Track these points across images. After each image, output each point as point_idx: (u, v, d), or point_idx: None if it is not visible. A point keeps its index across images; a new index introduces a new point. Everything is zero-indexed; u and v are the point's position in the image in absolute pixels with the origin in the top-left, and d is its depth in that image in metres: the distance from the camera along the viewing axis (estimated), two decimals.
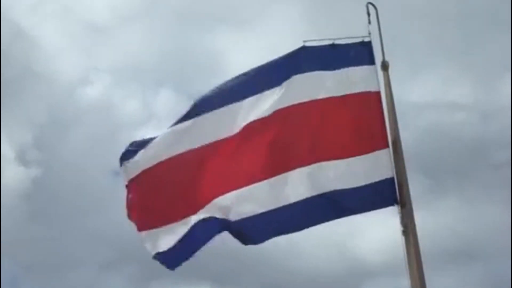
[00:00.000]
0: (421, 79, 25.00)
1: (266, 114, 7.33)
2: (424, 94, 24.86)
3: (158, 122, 30.17)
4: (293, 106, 7.33)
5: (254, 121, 7.35)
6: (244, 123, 7.38)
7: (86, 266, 24.48)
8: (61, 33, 30.77)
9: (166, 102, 30.81)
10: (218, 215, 7.12)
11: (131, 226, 7.68)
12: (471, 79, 26.88)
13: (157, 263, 7.45)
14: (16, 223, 23.29)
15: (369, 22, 7.50)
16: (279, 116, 7.31)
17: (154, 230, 7.35)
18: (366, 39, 7.44)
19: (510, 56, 18.74)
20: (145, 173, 7.52)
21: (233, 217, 7.09)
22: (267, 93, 7.42)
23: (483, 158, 24.12)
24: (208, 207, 7.17)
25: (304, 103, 7.33)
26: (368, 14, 7.52)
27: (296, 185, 7.07)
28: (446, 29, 24.28)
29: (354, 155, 7.08)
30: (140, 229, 7.46)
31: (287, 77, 7.41)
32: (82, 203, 24.81)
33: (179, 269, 7.43)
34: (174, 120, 7.59)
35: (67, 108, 28.12)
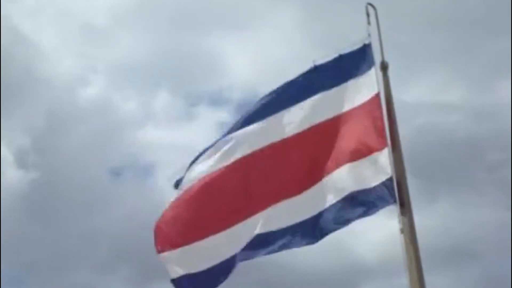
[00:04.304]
0: (415, 80, 25.08)
1: (284, 136, 7.59)
2: (418, 95, 24.96)
3: (156, 123, 30.19)
4: (311, 128, 7.54)
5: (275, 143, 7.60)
6: (266, 143, 7.61)
7: (85, 266, 24.54)
8: (60, 36, 30.84)
9: (164, 103, 30.92)
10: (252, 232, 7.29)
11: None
12: (466, 81, 26.99)
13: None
14: (15, 224, 23.33)
15: (369, 23, 7.55)
16: (296, 139, 7.55)
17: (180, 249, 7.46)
18: (366, 42, 7.51)
19: (504, 59, 18.85)
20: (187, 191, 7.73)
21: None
22: (289, 110, 7.65)
23: (476, 159, 24.22)
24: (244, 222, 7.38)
25: (321, 123, 7.53)
26: (368, 15, 7.57)
27: (309, 202, 7.29)
28: (442, 31, 24.36)
29: (356, 160, 7.17)
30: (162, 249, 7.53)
31: (302, 98, 7.63)
32: (81, 204, 24.85)
33: None
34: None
35: (65, 110, 28.19)
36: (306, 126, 7.56)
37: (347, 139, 7.33)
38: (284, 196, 7.37)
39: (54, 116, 27.58)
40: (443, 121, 24.82)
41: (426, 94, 25.98)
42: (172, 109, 31.31)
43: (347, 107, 7.45)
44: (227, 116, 28.89)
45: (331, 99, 7.57)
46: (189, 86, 30.42)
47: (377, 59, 7.47)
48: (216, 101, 32.90)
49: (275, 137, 7.61)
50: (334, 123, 7.47)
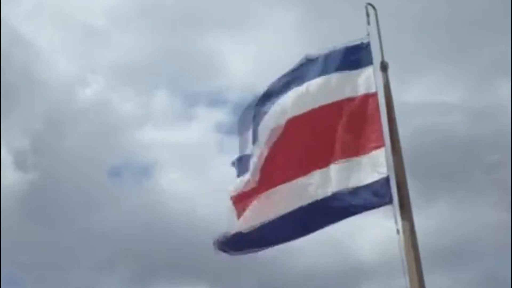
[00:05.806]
0: (415, 80, 25.12)
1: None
2: (418, 95, 24.99)
3: (154, 123, 30.25)
4: (301, 115, 7.64)
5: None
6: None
7: (84, 266, 24.55)
8: (58, 37, 30.83)
9: (162, 103, 30.97)
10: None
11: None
12: (466, 81, 27.03)
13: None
14: (15, 225, 23.35)
15: (368, 23, 7.58)
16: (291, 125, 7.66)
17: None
18: (365, 40, 7.53)
19: (504, 59, 18.88)
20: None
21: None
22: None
23: (476, 159, 24.24)
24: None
25: (311, 110, 7.60)
26: (367, 15, 7.60)
27: (301, 191, 7.32)
28: (442, 31, 24.39)
29: (353, 157, 7.17)
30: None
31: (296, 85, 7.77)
32: (79, 205, 24.87)
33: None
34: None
35: (63, 111, 28.20)
36: (308, 108, 7.66)
37: (337, 135, 7.38)
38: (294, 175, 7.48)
39: (52, 117, 27.63)
40: (443, 121, 24.84)
41: (426, 94, 26.04)
42: (171, 109, 31.38)
43: (343, 95, 7.51)
44: (225, 117, 28.97)
45: (330, 84, 7.64)
46: (187, 86, 30.52)
47: (377, 59, 7.51)
48: (214, 101, 33.01)
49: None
50: (334, 108, 7.53)
